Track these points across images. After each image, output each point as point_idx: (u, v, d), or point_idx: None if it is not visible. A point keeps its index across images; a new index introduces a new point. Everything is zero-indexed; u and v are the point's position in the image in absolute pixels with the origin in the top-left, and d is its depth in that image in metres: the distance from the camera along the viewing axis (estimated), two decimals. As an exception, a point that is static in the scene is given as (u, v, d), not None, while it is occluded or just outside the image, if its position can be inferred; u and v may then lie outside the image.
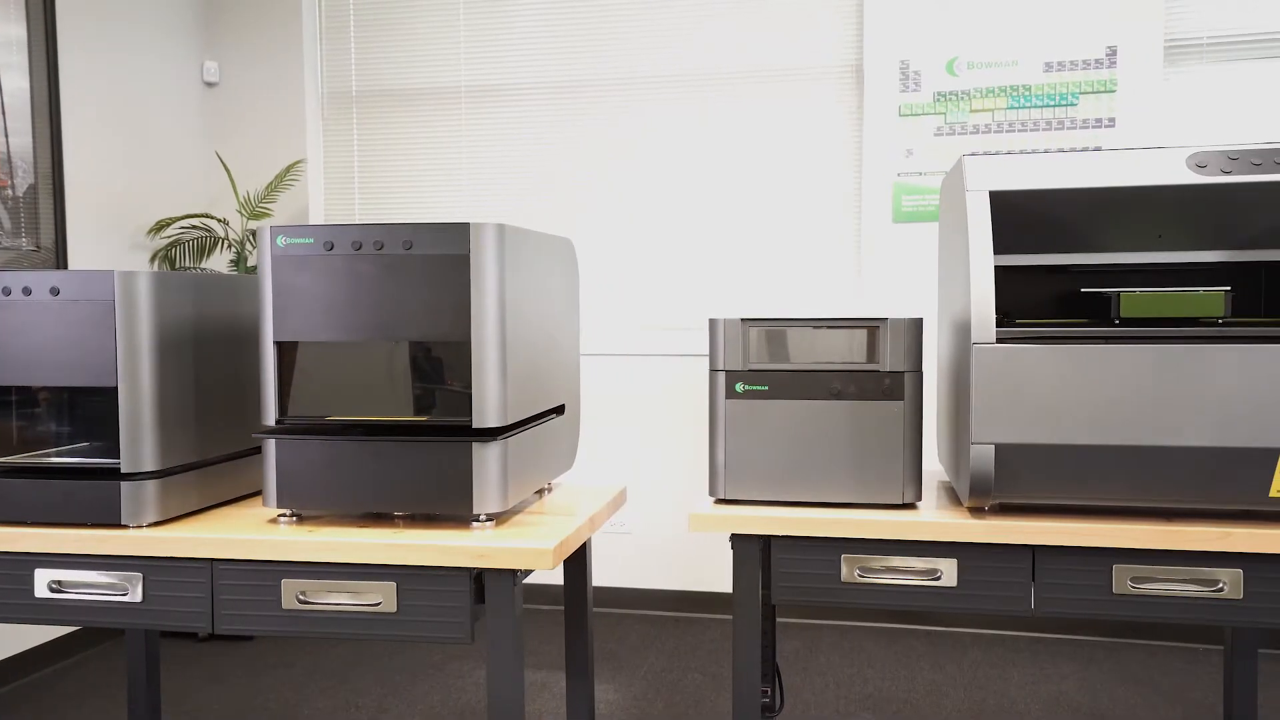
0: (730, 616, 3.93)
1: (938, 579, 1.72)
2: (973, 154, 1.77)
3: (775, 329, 1.80)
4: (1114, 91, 3.54)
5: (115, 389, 1.61)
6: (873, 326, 1.76)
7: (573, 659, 1.99)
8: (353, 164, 4.35)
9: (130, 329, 1.61)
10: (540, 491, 1.97)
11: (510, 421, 1.64)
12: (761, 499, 1.82)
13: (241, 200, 3.98)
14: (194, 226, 3.87)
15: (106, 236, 3.65)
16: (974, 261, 1.64)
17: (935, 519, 1.69)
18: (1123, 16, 3.51)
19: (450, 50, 4.18)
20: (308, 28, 4.28)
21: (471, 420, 1.60)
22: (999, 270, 1.88)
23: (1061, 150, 1.74)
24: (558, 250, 1.93)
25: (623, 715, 2.98)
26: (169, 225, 3.82)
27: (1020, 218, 1.77)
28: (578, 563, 1.98)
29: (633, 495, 4.01)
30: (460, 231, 1.58)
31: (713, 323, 1.81)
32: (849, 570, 1.74)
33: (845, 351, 1.77)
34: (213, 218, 3.83)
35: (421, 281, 1.59)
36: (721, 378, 1.82)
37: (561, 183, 4.08)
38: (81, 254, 3.54)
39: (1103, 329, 1.63)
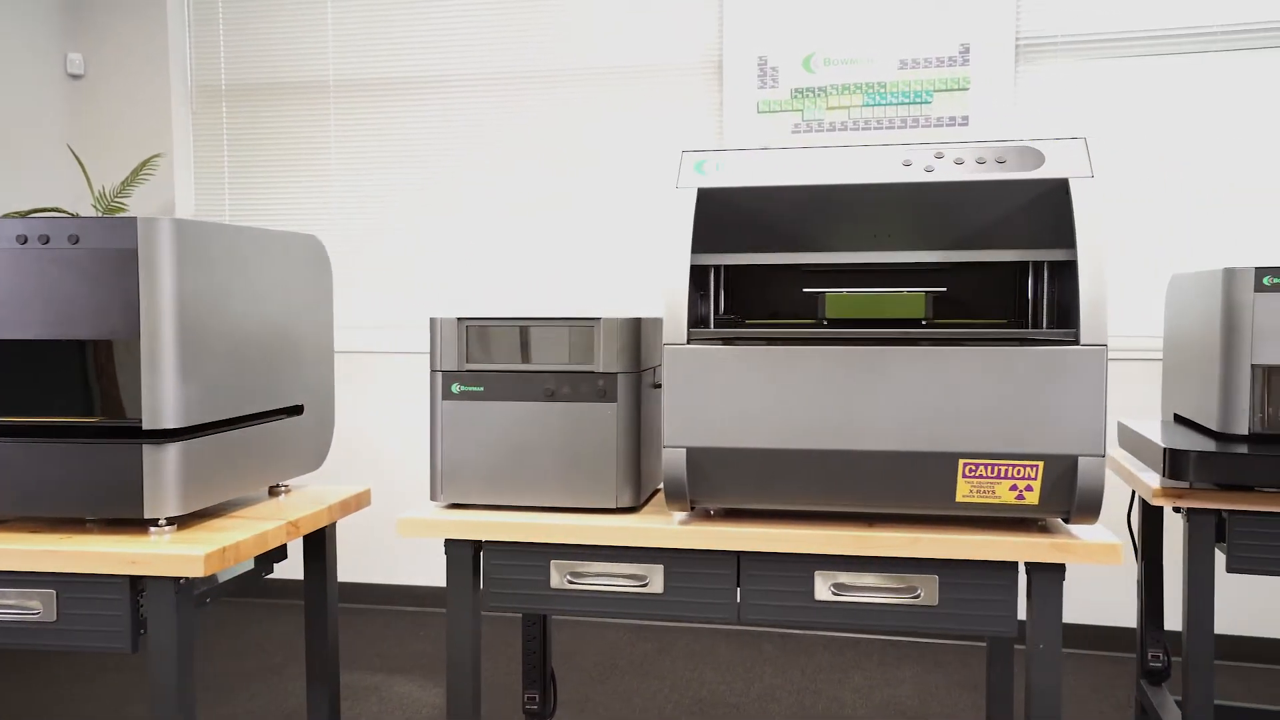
0: (590, 619, 3.88)
1: (645, 585, 1.67)
2: (688, 150, 1.72)
3: (491, 328, 1.75)
4: (967, 89, 3.51)
5: None
6: (586, 326, 1.72)
7: (311, 659, 1.94)
8: (223, 158, 4.28)
9: None
10: (275, 491, 1.92)
11: (196, 423, 1.59)
12: (480, 502, 1.77)
13: (96, 195, 3.91)
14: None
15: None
16: (670, 259, 1.60)
17: (642, 525, 1.65)
18: (975, 14, 3.49)
19: (319, 44, 4.11)
20: (174, 19, 4.20)
21: (142, 421, 1.54)
22: (731, 270, 1.84)
23: (783, 148, 1.70)
24: (293, 248, 1.87)
25: (440, 717, 2.93)
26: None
27: (747, 216, 1.73)
28: (316, 563, 1.93)
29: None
30: (128, 226, 1.53)
31: (432, 322, 1.76)
32: (559, 576, 1.70)
33: (561, 352, 1.73)
34: (64, 212, 3.75)
35: (90, 278, 1.54)
36: (440, 378, 1.77)
37: (430, 177, 4.02)
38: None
39: (803, 330, 1.59)
